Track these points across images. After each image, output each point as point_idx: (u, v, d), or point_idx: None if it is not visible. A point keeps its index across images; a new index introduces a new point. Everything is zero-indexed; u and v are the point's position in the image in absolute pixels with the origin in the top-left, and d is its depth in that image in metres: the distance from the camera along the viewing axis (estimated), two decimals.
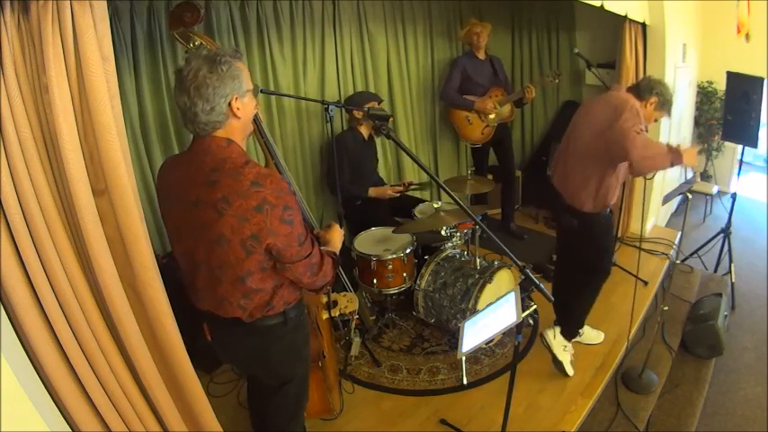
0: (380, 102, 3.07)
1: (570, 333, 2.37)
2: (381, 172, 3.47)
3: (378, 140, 3.29)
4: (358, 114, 2.93)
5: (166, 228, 1.41)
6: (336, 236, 1.58)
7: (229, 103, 1.18)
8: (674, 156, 1.94)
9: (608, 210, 2.19)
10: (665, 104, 2.14)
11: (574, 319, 2.40)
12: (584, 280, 2.32)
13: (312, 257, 1.31)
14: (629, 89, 2.16)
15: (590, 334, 2.60)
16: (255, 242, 1.20)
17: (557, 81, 3.48)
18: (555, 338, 2.33)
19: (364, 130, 3.05)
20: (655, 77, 2.19)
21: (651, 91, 2.10)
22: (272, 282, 1.32)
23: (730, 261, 3.22)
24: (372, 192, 2.97)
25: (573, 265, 2.34)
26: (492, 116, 3.50)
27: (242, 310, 1.32)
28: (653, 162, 1.94)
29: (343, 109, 3.16)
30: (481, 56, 3.52)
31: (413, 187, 3.15)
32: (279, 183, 1.20)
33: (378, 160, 3.34)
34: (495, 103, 3.49)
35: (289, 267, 1.28)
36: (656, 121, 2.21)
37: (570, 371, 2.32)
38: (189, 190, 1.22)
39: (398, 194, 3.03)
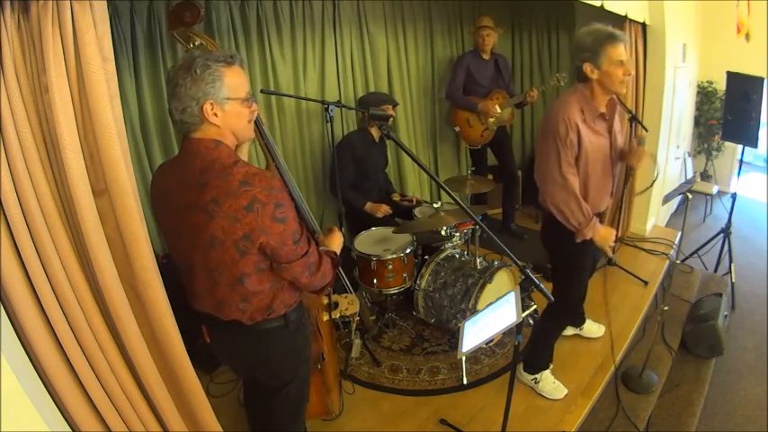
0: (396, 105, 3.07)
1: (532, 367, 2.25)
2: None
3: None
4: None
5: (161, 232, 1.40)
6: (336, 240, 1.56)
7: (202, 107, 1.15)
8: (578, 224, 1.83)
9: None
10: (596, 52, 1.71)
11: (536, 354, 2.27)
12: (552, 309, 2.09)
13: (309, 256, 1.30)
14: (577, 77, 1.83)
15: (591, 327, 2.62)
16: (248, 242, 1.18)
17: (562, 84, 3.47)
18: (522, 376, 2.27)
19: (375, 132, 3.05)
20: (574, 42, 1.80)
21: (581, 62, 1.75)
22: (271, 283, 1.31)
23: (730, 261, 3.22)
24: (368, 207, 2.98)
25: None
26: (492, 120, 3.51)
27: (241, 313, 1.31)
28: (564, 201, 1.81)
29: (356, 110, 3.18)
30: (486, 56, 3.52)
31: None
32: (269, 180, 1.18)
33: (388, 162, 3.33)
34: (497, 106, 3.49)
35: (285, 267, 1.27)
36: (627, 75, 1.73)
37: (556, 395, 2.23)
38: (180, 193, 1.21)
39: (391, 212, 3.03)
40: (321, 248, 1.40)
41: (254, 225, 1.16)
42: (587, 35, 1.75)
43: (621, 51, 1.71)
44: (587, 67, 1.75)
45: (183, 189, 1.20)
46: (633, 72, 1.79)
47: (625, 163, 2.06)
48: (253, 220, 1.15)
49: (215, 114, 1.17)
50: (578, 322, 2.61)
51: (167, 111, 2.46)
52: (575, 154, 1.78)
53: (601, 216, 2.05)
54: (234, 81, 1.18)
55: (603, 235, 1.90)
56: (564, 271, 2.08)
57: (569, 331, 2.59)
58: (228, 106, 1.18)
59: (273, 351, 1.43)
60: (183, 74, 1.13)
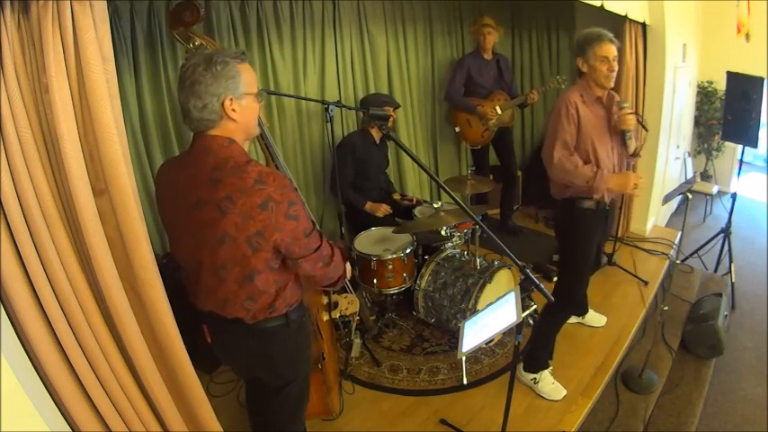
0: (397, 107, 3.08)
1: (532, 366, 2.27)
2: None
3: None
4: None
5: (165, 229, 1.40)
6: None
7: (222, 103, 1.17)
8: (591, 181, 1.96)
9: (585, 204, 2.04)
10: (585, 48, 1.96)
11: (537, 352, 2.29)
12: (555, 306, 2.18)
13: (323, 249, 1.33)
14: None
15: (593, 317, 2.68)
16: (261, 239, 1.20)
17: (562, 86, 3.46)
18: (522, 376, 2.29)
19: (376, 133, 3.05)
20: (574, 41, 2.05)
21: (576, 57, 2.02)
22: (277, 284, 1.32)
23: (730, 261, 3.22)
24: (368, 206, 2.98)
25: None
26: (492, 121, 3.51)
27: (245, 311, 1.32)
28: (565, 175, 2.00)
29: (357, 111, 3.19)
30: (487, 56, 3.51)
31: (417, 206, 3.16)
32: (282, 180, 1.20)
33: (389, 163, 3.33)
34: (497, 107, 3.49)
35: (301, 263, 1.29)
36: (611, 71, 1.95)
37: (555, 396, 2.22)
38: (189, 190, 1.21)
39: (391, 212, 3.03)
40: (331, 241, 1.42)
41: (268, 222, 1.18)
42: (582, 35, 2.01)
43: (606, 49, 1.94)
44: (579, 61, 2.01)
45: (193, 186, 1.20)
46: (617, 68, 1.98)
47: (620, 132, 2.08)
48: (266, 217, 1.17)
49: (233, 110, 1.19)
50: (581, 311, 2.68)
51: (169, 112, 2.51)
52: (575, 128, 1.99)
53: (609, 208, 2.14)
54: (248, 77, 1.22)
55: (618, 182, 1.99)
56: (570, 259, 2.18)
57: (572, 319, 2.66)
58: (245, 101, 1.21)
59: (274, 350, 1.43)
60: (203, 71, 1.14)
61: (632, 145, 2.07)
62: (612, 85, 2.01)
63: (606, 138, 2.03)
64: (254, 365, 1.52)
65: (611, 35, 1.95)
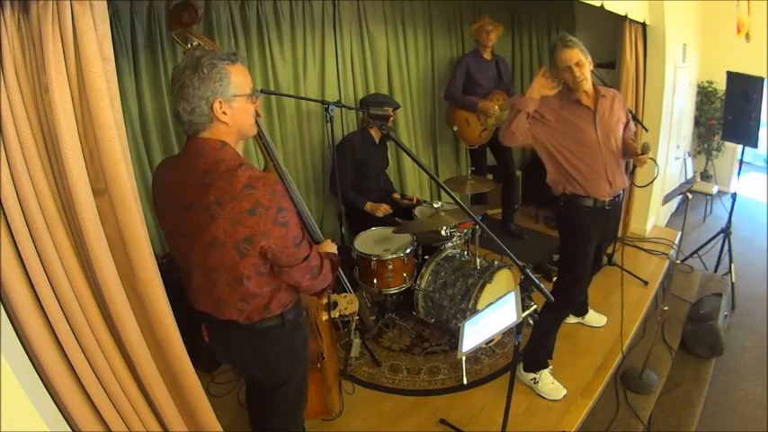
0: (397, 107, 3.08)
1: (532, 366, 2.28)
2: None
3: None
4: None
5: (162, 229, 1.40)
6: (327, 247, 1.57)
7: (212, 106, 1.15)
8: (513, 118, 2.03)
9: (583, 202, 2.07)
10: (553, 59, 1.98)
11: (536, 351, 2.30)
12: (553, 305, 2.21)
13: (311, 260, 1.31)
14: None
15: (593, 317, 2.69)
16: (249, 245, 1.19)
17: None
18: (522, 375, 2.29)
19: (375, 132, 3.05)
20: None
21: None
22: (270, 286, 1.31)
23: (730, 261, 3.21)
24: (368, 206, 2.98)
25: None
26: (491, 120, 3.50)
27: (239, 313, 1.32)
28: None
29: (357, 111, 3.19)
30: (487, 56, 3.51)
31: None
32: (272, 185, 1.18)
33: (388, 163, 3.34)
34: (497, 107, 3.49)
35: (287, 272, 1.28)
36: (574, 77, 1.95)
37: (554, 396, 2.23)
38: (182, 192, 1.21)
39: (391, 212, 3.03)
40: (321, 251, 1.41)
41: (256, 228, 1.16)
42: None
43: (565, 58, 1.91)
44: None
45: (186, 188, 1.20)
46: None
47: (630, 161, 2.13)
48: (255, 223, 1.16)
49: (224, 113, 1.17)
50: (581, 312, 2.69)
51: (169, 111, 2.51)
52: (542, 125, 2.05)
53: (610, 208, 2.11)
54: (239, 79, 1.19)
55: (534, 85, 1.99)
56: (568, 257, 2.20)
57: (572, 319, 2.68)
58: (236, 103, 1.19)
59: (270, 349, 1.43)
60: (190, 74, 1.13)
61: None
62: (586, 88, 1.98)
63: (591, 136, 2.00)
64: (250, 365, 1.52)
65: (567, 40, 1.91)
